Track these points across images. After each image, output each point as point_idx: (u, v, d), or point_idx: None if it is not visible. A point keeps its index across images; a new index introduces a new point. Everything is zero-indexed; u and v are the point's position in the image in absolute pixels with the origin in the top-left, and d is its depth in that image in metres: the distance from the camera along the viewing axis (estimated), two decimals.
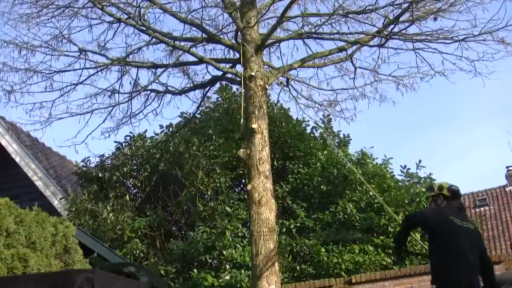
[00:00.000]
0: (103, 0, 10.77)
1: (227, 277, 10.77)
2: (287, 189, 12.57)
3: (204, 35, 10.73)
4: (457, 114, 48.85)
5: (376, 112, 47.26)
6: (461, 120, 47.78)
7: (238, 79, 10.42)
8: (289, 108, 13.84)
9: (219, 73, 11.01)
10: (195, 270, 11.27)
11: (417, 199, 12.40)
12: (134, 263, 10.83)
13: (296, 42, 11.77)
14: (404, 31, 10.52)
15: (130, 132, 13.68)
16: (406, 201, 12.22)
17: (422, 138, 49.08)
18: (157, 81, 11.33)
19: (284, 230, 11.85)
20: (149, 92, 11.57)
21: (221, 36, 11.20)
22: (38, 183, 13.75)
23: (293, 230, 11.99)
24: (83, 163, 13.70)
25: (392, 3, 10.12)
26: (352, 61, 11.49)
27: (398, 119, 50.91)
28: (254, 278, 8.73)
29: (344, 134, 14.17)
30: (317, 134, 14.05)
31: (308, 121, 13.80)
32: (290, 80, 12.11)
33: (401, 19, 10.33)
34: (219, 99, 13.89)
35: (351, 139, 14.18)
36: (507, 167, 25.09)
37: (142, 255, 11.67)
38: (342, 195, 12.36)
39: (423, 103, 50.06)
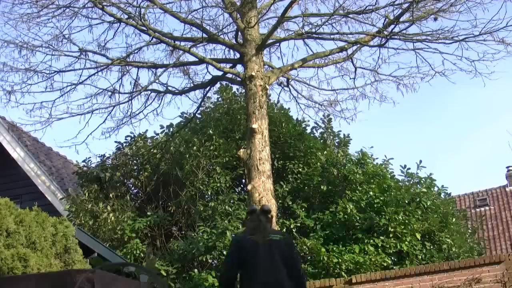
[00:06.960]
0: (104, 0, 10.78)
1: None
2: (287, 189, 12.56)
3: (204, 35, 10.73)
4: (458, 113, 48.86)
5: (376, 112, 47.26)
6: (461, 119, 47.77)
7: (239, 79, 10.43)
8: (289, 108, 13.86)
9: (220, 73, 11.01)
10: (195, 270, 11.26)
11: (417, 199, 12.41)
12: (134, 263, 10.83)
13: (296, 42, 11.81)
14: (404, 31, 10.54)
15: (131, 132, 13.71)
16: (406, 201, 12.23)
17: (422, 137, 49.08)
18: (157, 81, 11.34)
19: (284, 230, 11.84)
20: (149, 92, 11.58)
21: (222, 36, 11.21)
22: (39, 183, 13.74)
23: (293, 230, 11.98)
24: (83, 163, 13.70)
25: (393, 3, 10.15)
26: (352, 61, 11.51)
27: (398, 118, 50.93)
28: None
29: (344, 134, 14.19)
30: (317, 134, 14.05)
31: (308, 121, 13.83)
32: (290, 80, 12.13)
33: (401, 19, 10.36)
34: (220, 99, 13.87)
35: (351, 139, 14.19)
36: (507, 167, 25.10)
37: (142, 255, 11.66)
38: (342, 195, 12.35)
39: (423, 101, 50.06)
